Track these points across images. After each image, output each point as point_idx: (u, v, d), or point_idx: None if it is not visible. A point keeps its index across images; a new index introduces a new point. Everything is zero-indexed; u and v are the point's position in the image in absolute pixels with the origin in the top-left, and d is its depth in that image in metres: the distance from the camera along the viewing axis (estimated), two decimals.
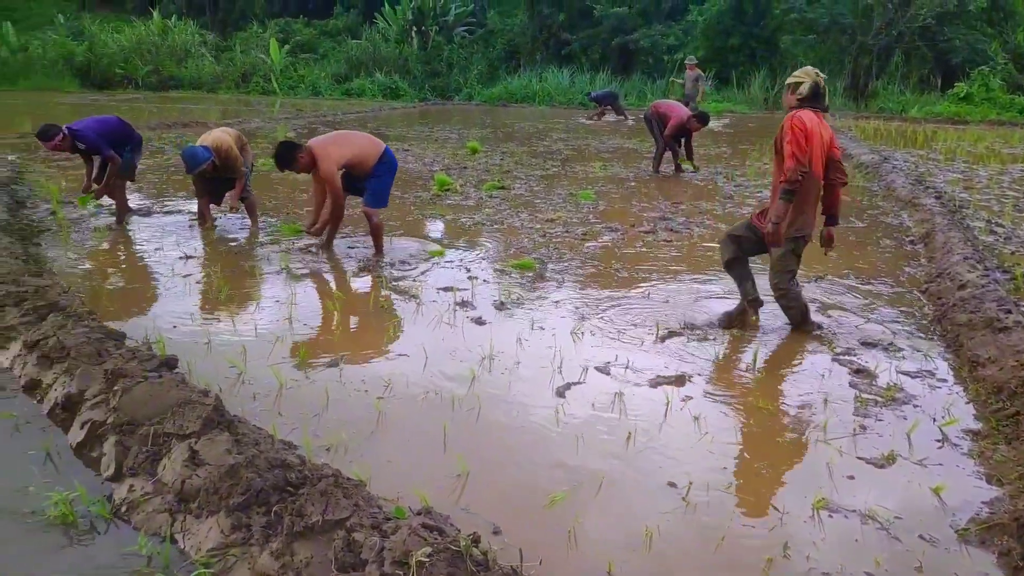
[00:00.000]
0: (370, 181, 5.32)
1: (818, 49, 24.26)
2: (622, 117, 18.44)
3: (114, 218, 6.43)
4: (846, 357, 3.71)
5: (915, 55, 22.87)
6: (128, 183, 6.54)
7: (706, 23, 24.69)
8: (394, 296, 4.59)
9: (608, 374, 3.46)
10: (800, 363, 3.68)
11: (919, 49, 22.52)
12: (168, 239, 5.95)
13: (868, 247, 6.06)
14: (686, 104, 15.80)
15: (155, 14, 33.30)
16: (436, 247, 5.71)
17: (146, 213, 6.78)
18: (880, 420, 3.07)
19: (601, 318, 4.25)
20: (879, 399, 3.25)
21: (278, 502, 1.96)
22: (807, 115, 3.76)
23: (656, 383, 3.36)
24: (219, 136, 6.01)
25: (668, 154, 9.62)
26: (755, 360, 3.60)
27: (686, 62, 16.50)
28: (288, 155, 5.06)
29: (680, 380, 3.41)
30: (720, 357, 3.72)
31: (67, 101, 22.27)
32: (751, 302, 4.12)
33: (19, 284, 3.81)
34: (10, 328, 3.42)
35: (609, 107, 18.48)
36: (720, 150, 12.52)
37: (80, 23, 34.73)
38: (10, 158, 9.52)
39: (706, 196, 8.10)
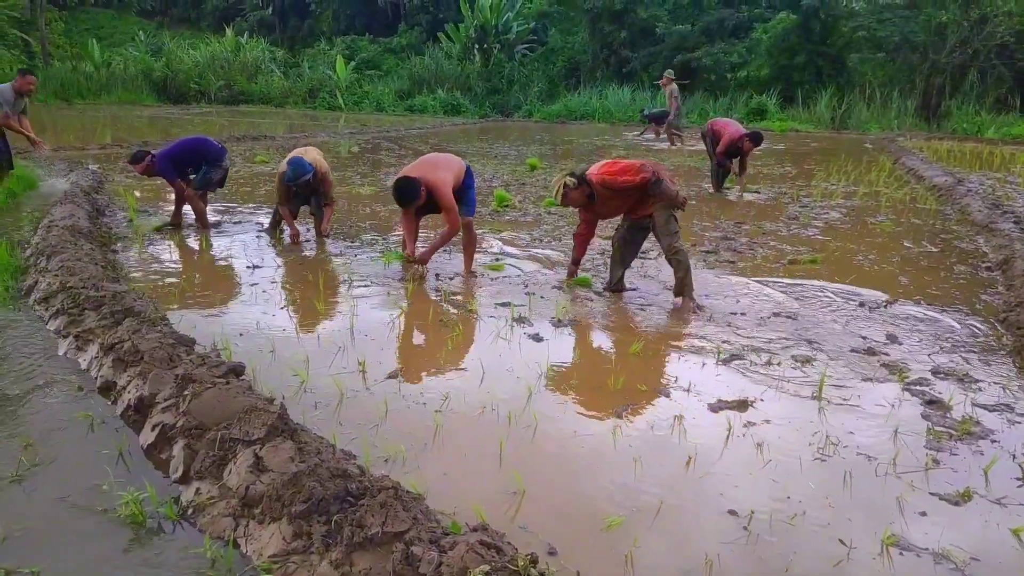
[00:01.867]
0: (464, 193, 5.34)
1: (887, 67, 23.64)
2: (658, 135, 18.05)
3: (193, 228, 6.73)
4: (918, 387, 3.56)
5: (991, 74, 22.02)
6: (209, 193, 6.96)
7: (771, 41, 24.31)
8: (453, 310, 4.62)
9: (668, 396, 3.41)
10: (869, 392, 3.55)
11: (996, 68, 21.69)
12: (236, 248, 6.14)
13: (941, 272, 5.83)
14: (664, 120, 16.04)
15: (229, 31, 34.59)
16: (494, 262, 5.74)
17: (215, 224, 7.00)
18: (955, 455, 2.93)
19: (661, 338, 4.19)
20: (953, 432, 3.10)
21: (338, 512, 1.99)
22: None
23: (717, 407, 3.29)
24: (317, 159, 6.28)
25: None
26: (821, 387, 3.49)
27: (665, 75, 16.11)
28: (414, 190, 4.95)
29: (742, 405, 3.33)
30: (784, 382, 3.62)
31: (145, 114, 23.30)
32: None
33: (98, 289, 3.98)
34: (89, 331, 3.57)
35: (656, 125, 18.18)
36: (784, 170, 12.27)
37: (159, 40, 36.38)
38: (93, 167, 9.99)
39: (770, 216, 7.94)
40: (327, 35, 42.09)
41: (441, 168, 5.18)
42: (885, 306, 4.85)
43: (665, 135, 17.70)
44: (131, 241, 6.27)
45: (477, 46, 30.46)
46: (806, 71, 24.14)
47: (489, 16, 30.25)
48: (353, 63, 31.53)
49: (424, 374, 3.63)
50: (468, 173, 5.40)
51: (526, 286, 5.16)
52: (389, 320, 4.38)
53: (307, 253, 6.12)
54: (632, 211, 4.95)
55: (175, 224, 6.77)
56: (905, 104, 22.40)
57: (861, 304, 4.87)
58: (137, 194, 8.43)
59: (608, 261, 5.30)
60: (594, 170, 4.77)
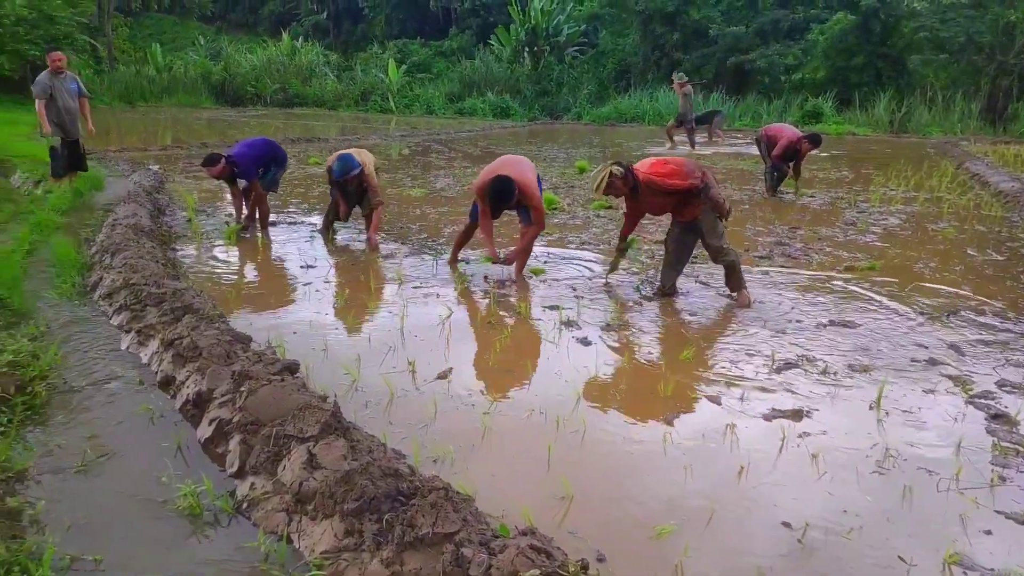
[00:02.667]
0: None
1: (950, 69, 22.87)
2: (712, 136, 17.76)
3: (249, 226, 6.90)
4: (983, 401, 3.43)
5: None
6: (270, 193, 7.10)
7: (828, 42, 23.74)
8: (501, 312, 4.63)
9: (719, 404, 3.35)
10: (930, 404, 3.43)
11: None
12: (291, 248, 6.26)
13: (1007, 282, 5.60)
14: (682, 123, 15.58)
15: (285, 36, 35.37)
16: (538, 266, 5.72)
17: (272, 224, 7.15)
18: (1022, 472, 2.81)
19: (712, 344, 4.13)
20: (1021, 448, 2.98)
21: (389, 511, 2.01)
22: None
23: (771, 416, 3.22)
24: (367, 160, 6.39)
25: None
26: (880, 398, 3.39)
27: (675, 80, 16.00)
28: (512, 190, 5.00)
29: (797, 414, 3.25)
30: (841, 392, 3.52)
31: (203, 116, 23.99)
32: None
33: (159, 286, 4.10)
34: (150, 327, 3.69)
35: (706, 125, 17.89)
36: (841, 174, 11.97)
37: (218, 44, 37.40)
38: (155, 168, 10.33)
39: (825, 222, 7.75)
40: (380, 39, 42.69)
41: (526, 168, 5.24)
42: (947, 316, 4.68)
43: (698, 136, 17.47)
44: (190, 240, 6.45)
45: (527, 49, 30.52)
46: (864, 73, 23.52)
47: (540, 19, 30.28)
48: (404, 66, 31.92)
49: (473, 376, 3.65)
50: (538, 177, 5.45)
51: (574, 289, 5.14)
52: (438, 321, 4.41)
53: (359, 254, 6.20)
54: (677, 212, 4.92)
55: (248, 223, 6.91)
56: (969, 107, 21.64)
57: (922, 313, 4.71)
58: (195, 195, 8.68)
59: (659, 266, 5.24)
60: (643, 166, 4.74)
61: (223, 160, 6.44)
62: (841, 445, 3.01)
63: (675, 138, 16.09)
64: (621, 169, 4.64)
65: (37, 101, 7.61)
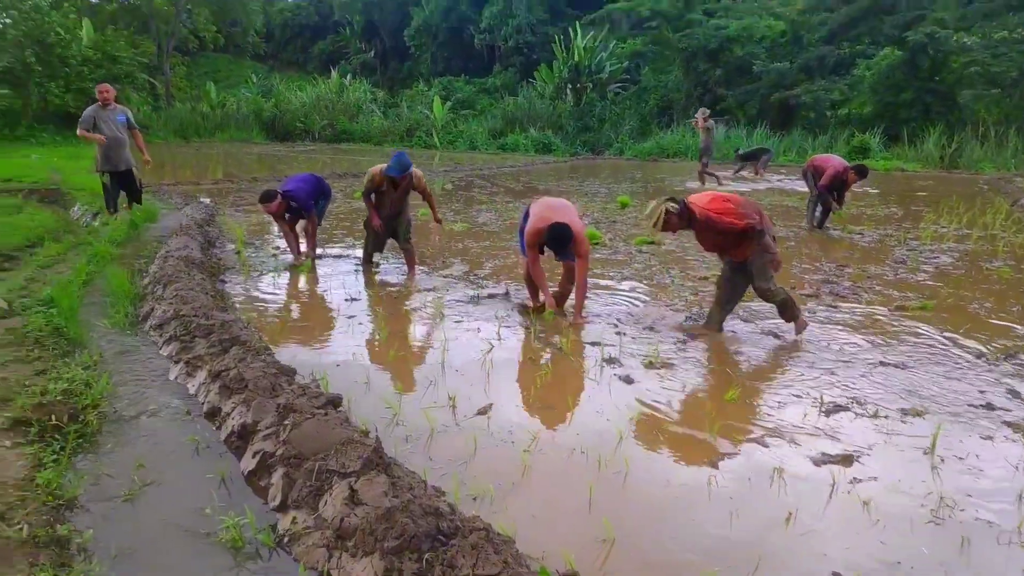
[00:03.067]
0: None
1: (1003, 104, 22.37)
2: (755, 173, 17.60)
3: (292, 258, 7.04)
4: None
5: None
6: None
7: (875, 77, 23.48)
8: (542, 348, 4.62)
9: (766, 447, 3.26)
10: (989, 451, 3.29)
11: None
12: (335, 281, 6.36)
13: None
14: (702, 157, 15.42)
15: (334, 74, 36.38)
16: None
17: (318, 256, 7.28)
18: None
19: (758, 385, 4.04)
20: None
21: (429, 550, 1.99)
22: None
23: (820, 461, 3.12)
24: (418, 172, 6.57)
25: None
26: (934, 444, 3.26)
27: (699, 115, 15.75)
28: (569, 236, 4.94)
29: (847, 460, 3.15)
30: (893, 437, 3.40)
31: (254, 151, 24.70)
32: None
33: (208, 318, 4.20)
34: (198, 358, 3.76)
35: (753, 162, 17.77)
36: (890, 210, 11.72)
37: (269, 82, 38.62)
38: (206, 201, 10.64)
39: (874, 259, 7.58)
40: (425, 76, 43.65)
41: (571, 212, 5.21)
42: (1005, 358, 4.51)
43: (746, 171, 17.36)
44: (238, 272, 6.60)
45: (570, 86, 30.84)
46: (913, 108, 23.15)
47: (583, 57, 30.64)
48: (449, 103, 32.50)
49: (513, 412, 3.63)
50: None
51: (616, 325, 5.10)
52: (479, 356, 4.41)
53: (401, 287, 6.26)
54: (727, 250, 4.87)
55: (311, 256, 7.05)
56: (1022, 143, 21.09)
57: (978, 356, 4.55)
58: (244, 228, 8.91)
59: (702, 303, 5.18)
60: (700, 201, 4.67)
61: (279, 196, 6.61)
62: (894, 492, 2.90)
63: (710, 175, 15.76)
64: (676, 206, 4.58)
65: (79, 129, 7.99)
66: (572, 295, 5.38)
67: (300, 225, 7.13)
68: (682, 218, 4.60)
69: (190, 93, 35.30)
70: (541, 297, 5.34)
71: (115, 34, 26.98)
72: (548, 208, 5.21)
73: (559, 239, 4.95)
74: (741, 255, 4.77)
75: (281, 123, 31.72)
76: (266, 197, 6.61)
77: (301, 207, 6.82)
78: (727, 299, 4.97)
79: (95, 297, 5.30)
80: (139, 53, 27.40)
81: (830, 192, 9.15)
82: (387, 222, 6.61)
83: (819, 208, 9.47)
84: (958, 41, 21.79)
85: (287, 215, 6.90)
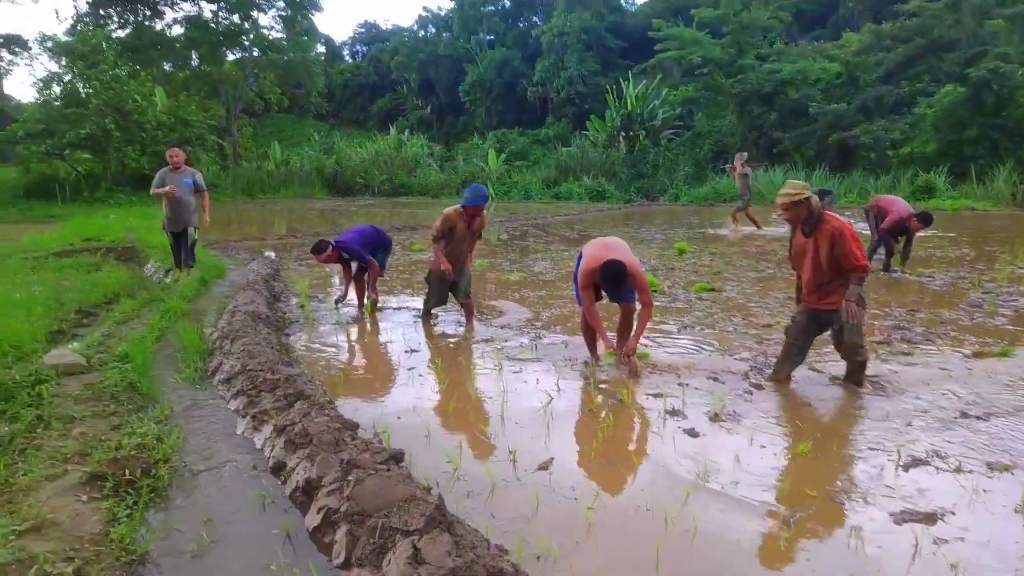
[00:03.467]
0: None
1: None
2: None
3: (355, 310, 7.25)
4: None
5: None
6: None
7: (937, 115, 22.93)
8: (603, 399, 4.55)
9: (842, 504, 3.11)
10: None
11: None
12: (395, 332, 6.44)
13: None
14: (740, 201, 15.20)
15: (392, 130, 37.54)
16: (642, 350, 5.61)
17: (379, 309, 7.40)
18: None
19: (831, 437, 3.87)
20: None
21: None
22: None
23: (901, 519, 2.96)
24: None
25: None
26: None
27: (738, 159, 15.57)
28: (623, 272, 4.84)
29: (931, 518, 2.97)
30: (979, 493, 3.21)
31: (316, 206, 25.52)
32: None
33: (274, 372, 4.29)
34: (264, 412, 3.84)
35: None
36: (961, 252, 11.30)
37: (331, 140, 40.09)
38: (271, 255, 11.00)
39: (947, 304, 7.28)
40: (480, 130, 44.67)
41: (626, 250, 5.13)
42: None
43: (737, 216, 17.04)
44: (302, 325, 6.75)
45: (623, 133, 31.07)
46: (979, 145, 22.47)
47: (635, 105, 30.89)
48: (503, 155, 33.10)
49: (575, 467, 3.56)
50: None
51: (678, 376, 5.00)
52: (539, 407, 4.37)
53: (459, 339, 6.29)
54: (818, 288, 4.60)
55: (374, 300, 7.23)
56: None
57: None
58: (308, 282, 9.15)
59: (768, 351, 5.03)
60: (837, 218, 4.54)
61: (331, 247, 6.82)
62: (984, 554, 2.72)
63: (741, 220, 15.64)
64: (819, 201, 4.52)
65: (152, 189, 8.54)
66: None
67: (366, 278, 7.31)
68: (811, 216, 4.51)
69: (256, 152, 36.94)
70: (601, 346, 5.27)
71: (187, 100, 28.56)
72: (601, 247, 5.14)
73: (613, 277, 4.83)
74: (829, 302, 4.57)
75: (342, 179, 32.78)
76: (317, 248, 6.89)
77: (354, 258, 7.00)
78: (799, 350, 4.79)
79: (167, 351, 5.49)
80: (209, 116, 28.89)
81: (892, 236, 8.93)
82: (454, 268, 6.55)
83: (882, 250, 9.22)
84: (1023, 75, 21.18)
85: (352, 263, 7.09)
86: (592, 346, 5.42)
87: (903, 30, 25.17)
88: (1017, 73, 21.22)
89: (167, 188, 8.31)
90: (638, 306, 5.22)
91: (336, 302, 7.49)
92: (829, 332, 4.72)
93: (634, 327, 5.16)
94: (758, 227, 15.11)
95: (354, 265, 7.20)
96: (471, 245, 6.71)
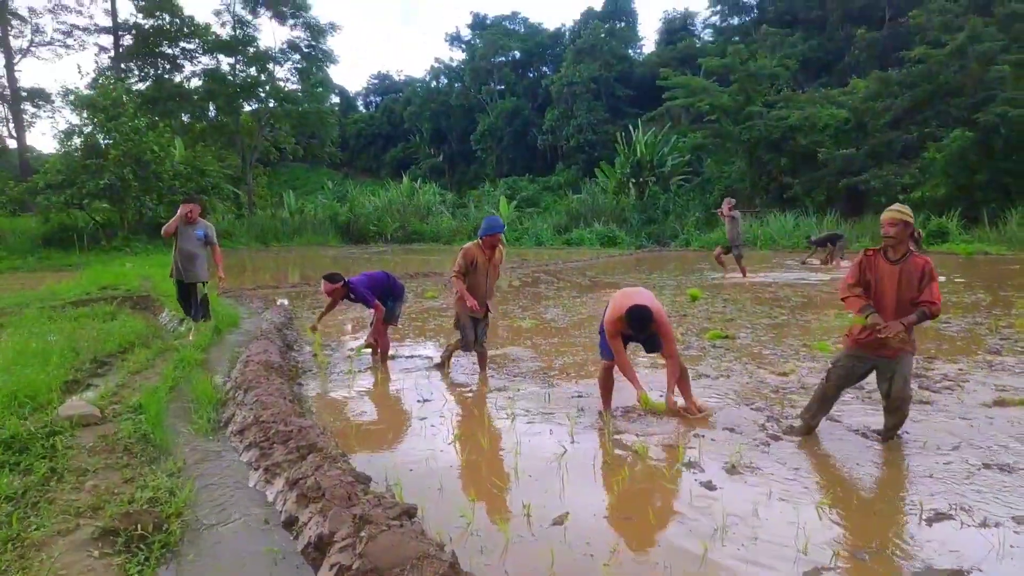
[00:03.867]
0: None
1: None
2: (828, 261, 17.17)
3: (370, 359, 7.26)
4: None
5: None
6: (390, 327, 7.42)
7: (946, 159, 23.02)
8: (617, 451, 4.49)
9: (864, 560, 3.04)
10: None
11: None
12: (408, 382, 6.43)
13: None
14: (729, 248, 14.79)
15: (405, 179, 38.06)
16: (659, 401, 5.55)
17: (391, 357, 7.40)
18: None
19: (851, 490, 3.80)
20: None
21: None
22: None
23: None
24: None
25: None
26: None
27: (724, 204, 15.09)
28: (650, 318, 4.84)
29: (957, 574, 2.89)
30: (1006, 549, 3.12)
31: (329, 254, 25.75)
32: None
33: (287, 424, 4.28)
34: (276, 464, 3.82)
35: (823, 249, 17.45)
36: (976, 297, 11.21)
37: (344, 188, 40.71)
38: (284, 303, 11.06)
39: (964, 350, 7.19)
40: (491, 177, 45.28)
41: (652, 299, 5.08)
42: None
43: (814, 259, 16.97)
44: (315, 375, 6.76)
45: (632, 180, 31.37)
46: (990, 189, 22.52)
47: (644, 152, 31.24)
48: (514, 202, 33.46)
49: (590, 522, 3.50)
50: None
51: (693, 427, 4.94)
52: (553, 459, 4.32)
53: (473, 388, 6.26)
54: (875, 333, 4.29)
55: (371, 344, 7.30)
56: None
57: None
58: (320, 330, 9.19)
59: (783, 400, 4.96)
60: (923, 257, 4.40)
61: (343, 282, 6.96)
62: None
63: (728, 263, 15.34)
64: (919, 233, 4.50)
65: (163, 229, 8.21)
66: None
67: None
68: (916, 243, 4.48)
69: (270, 201, 37.49)
70: (633, 391, 5.09)
71: (204, 150, 29.14)
72: (625, 296, 5.16)
73: (639, 321, 4.82)
74: (889, 349, 4.34)
75: (356, 226, 33.18)
76: (331, 278, 7.01)
77: (359, 299, 7.06)
78: (831, 398, 4.67)
79: (180, 402, 5.49)
80: (225, 166, 29.46)
81: None
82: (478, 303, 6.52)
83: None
84: None
85: (354, 300, 7.20)
86: (607, 399, 5.37)
87: (909, 76, 25.46)
88: None
89: (171, 222, 8.03)
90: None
91: (311, 328, 7.63)
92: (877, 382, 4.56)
93: (667, 382, 5.07)
94: (829, 263, 14.95)
95: (368, 313, 7.23)
96: (493, 279, 6.70)
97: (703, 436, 4.70)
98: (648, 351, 5.42)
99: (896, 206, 4.49)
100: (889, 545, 3.16)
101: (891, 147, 25.58)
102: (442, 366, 6.92)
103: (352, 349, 7.76)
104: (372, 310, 7.16)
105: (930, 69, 24.80)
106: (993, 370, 6.37)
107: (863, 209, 25.75)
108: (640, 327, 4.88)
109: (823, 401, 4.67)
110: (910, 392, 4.43)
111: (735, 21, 46.24)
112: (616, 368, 5.18)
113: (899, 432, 4.56)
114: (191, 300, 8.36)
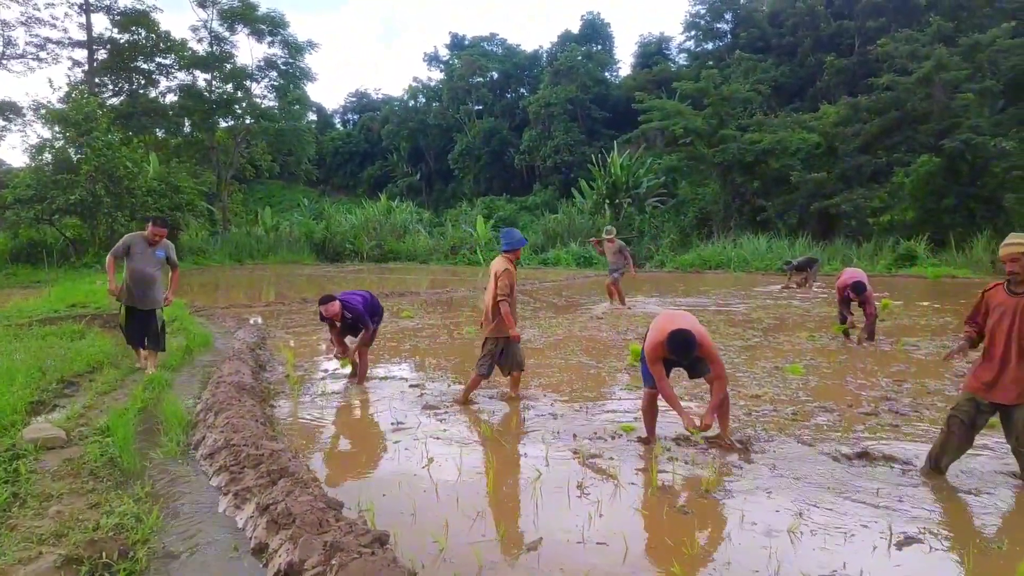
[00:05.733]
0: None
1: None
2: (803, 284, 17.37)
3: (347, 380, 7.21)
4: None
5: None
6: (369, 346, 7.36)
7: (914, 184, 23.57)
8: (591, 475, 4.48)
9: None
10: None
11: None
12: (381, 405, 6.37)
13: None
14: (613, 273, 13.82)
15: (382, 197, 37.99)
16: (632, 423, 5.57)
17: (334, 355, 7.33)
18: None
19: (822, 514, 3.83)
20: None
21: None
22: None
23: None
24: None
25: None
26: None
27: (604, 235, 14.33)
28: (695, 343, 4.68)
29: None
30: (972, 573, 3.16)
31: (304, 272, 25.55)
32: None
33: (258, 447, 4.22)
34: (247, 489, 3.76)
35: (803, 273, 17.65)
36: (944, 320, 11.43)
37: (320, 206, 40.50)
38: (259, 321, 10.94)
39: (933, 374, 7.32)
40: (468, 196, 45.42)
41: (694, 322, 4.93)
42: None
43: (788, 285, 17.18)
44: (287, 396, 6.68)
45: (608, 201, 31.63)
46: (957, 213, 23.05)
47: (620, 174, 31.56)
48: (491, 221, 33.52)
49: (564, 548, 3.48)
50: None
51: (668, 449, 4.95)
52: (527, 484, 4.31)
53: (449, 411, 6.19)
54: (1003, 363, 4.08)
55: (354, 360, 7.22)
56: None
57: None
58: (292, 343, 9.10)
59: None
60: None
61: (337, 303, 6.87)
62: None
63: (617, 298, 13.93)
64: None
65: (109, 257, 7.26)
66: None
67: (348, 340, 7.25)
68: None
69: (245, 218, 37.15)
70: (680, 416, 4.91)
71: (178, 166, 28.85)
72: (666, 319, 5.00)
73: (682, 345, 4.63)
74: (1012, 392, 4.06)
75: (331, 244, 32.97)
76: (326, 299, 6.87)
77: (356, 319, 7.00)
78: (958, 447, 4.28)
79: (149, 424, 5.39)
80: (200, 182, 29.13)
81: (846, 305, 9.30)
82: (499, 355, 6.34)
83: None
84: (996, 147, 21.88)
85: (339, 325, 7.07)
86: (651, 428, 5.18)
87: (878, 103, 26.08)
88: (989, 144, 21.93)
89: (112, 285, 7.24)
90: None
91: (335, 356, 7.44)
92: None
93: (710, 407, 4.91)
94: (622, 302, 13.79)
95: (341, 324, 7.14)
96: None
97: (677, 459, 4.71)
98: (692, 376, 5.25)
99: (1011, 238, 4.07)
100: (860, 568, 3.18)
101: (861, 171, 26.13)
102: (464, 402, 6.38)
103: (326, 369, 7.69)
104: (363, 329, 7.09)
105: (898, 96, 25.44)
106: (961, 391, 6.46)
107: (834, 232, 26.21)
108: (683, 353, 4.71)
109: (947, 446, 4.29)
110: None
111: (709, 46, 47.11)
112: (660, 396, 4.98)
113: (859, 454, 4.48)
114: (143, 329, 7.31)
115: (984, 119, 23.89)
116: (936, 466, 4.34)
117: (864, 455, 4.72)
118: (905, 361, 8.05)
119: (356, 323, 7.04)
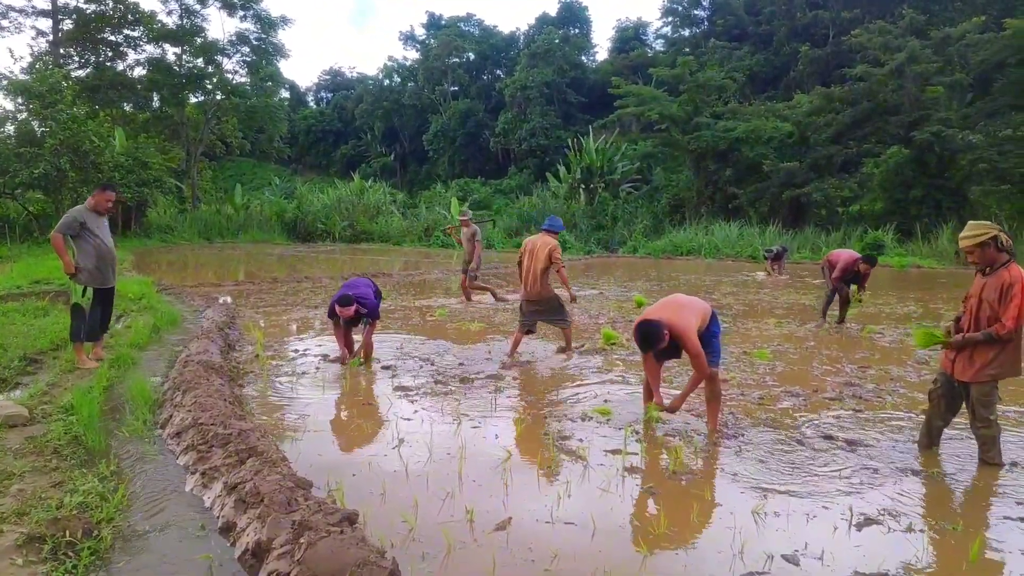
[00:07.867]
0: (709, 341, 4.97)
1: (1014, 200, 22.60)
2: (773, 272, 17.63)
3: (313, 361, 7.13)
4: None
5: None
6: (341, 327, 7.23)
7: (883, 175, 23.95)
8: (561, 456, 4.52)
9: (797, 564, 3.13)
10: None
11: None
12: (352, 384, 6.35)
13: None
14: (467, 270, 12.30)
15: (356, 177, 37.57)
16: (603, 406, 5.63)
17: (338, 360, 7.29)
18: None
19: (786, 496, 3.91)
20: None
21: None
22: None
23: None
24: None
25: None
26: (975, 556, 3.12)
27: (459, 216, 13.21)
28: (657, 334, 4.67)
29: None
30: (928, 552, 3.26)
31: (275, 252, 25.26)
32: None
33: (226, 427, 4.18)
34: (215, 468, 3.73)
35: (774, 262, 17.90)
36: (908, 309, 11.68)
37: (292, 185, 39.98)
38: (229, 301, 10.80)
39: (896, 360, 7.49)
40: (443, 178, 45.16)
41: (687, 311, 4.89)
42: None
43: (770, 272, 17.38)
44: (257, 376, 6.61)
45: (583, 186, 31.67)
46: (924, 204, 23.50)
47: (595, 158, 31.58)
48: (466, 203, 33.37)
49: (533, 527, 3.51)
50: (714, 319, 5.07)
51: (637, 432, 5.01)
52: (497, 464, 4.33)
53: (419, 392, 6.19)
54: (956, 356, 4.33)
55: (358, 354, 7.17)
56: None
57: (1014, 464, 4.41)
58: (262, 323, 9.01)
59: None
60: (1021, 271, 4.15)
61: (355, 303, 6.79)
62: None
63: (482, 289, 12.72)
64: (1007, 239, 4.13)
65: (55, 234, 6.50)
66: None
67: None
68: (999, 255, 4.15)
69: (215, 195, 36.54)
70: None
71: (146, 141, 28.25)
72: (660, 305, 5.01)
73: (644, 338, 4.66)
74: (974, 370, 4.25)
75: (303, 224, 32.61)
76: (345, 301, 6.76)
77: (369, 313, 6.98)
78: (943, 414, 4.54)
79: (115, 402, 5.32)
80: (168, 159, 28.56)
81: (845, 283, 9.42)
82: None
83: (836, 300, 9.64)
84: (964, 139, 22.30)
85: (364, 314, 7.03)
86: (646, 401, 5.28)
87: (851, 93, 26.40)
88: (957, 137, 22.34)
89: (68, 261, 6.53)
90: (717, 371, 5.01)
91: (342, 363, 7.11)
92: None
93: (685, 387, 5.01)
94: (469, 300, 12.46)
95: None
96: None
97: (643, 442, 4.77)
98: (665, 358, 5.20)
99: (966, 230, 4.23)
100: (821, 547, 3.25)
101: (832, 161, 26.47)
102: (568, 349, 7.84)
103: (296, 350, 7.63)
104: (372, 321, 7.10)
105: (870, 87, 25.76)
106: (921, 378, 6.63)
107: (804, 220, 26.57)
108: (647, 345, 4.71)
109: (934, 417, 4.58)
110: (988, 413, 4.26)
111: (686, 33, 47.24)
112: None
113: (999, 462, 4.33)
114: (105, 311, 6.86)
115: (953, 112, 24.32)
116: (928, 432, 4.64)
117: (828, 438, 4.82)
118: (870, 348, 8.22)
119: (370, 316, 7.02)
